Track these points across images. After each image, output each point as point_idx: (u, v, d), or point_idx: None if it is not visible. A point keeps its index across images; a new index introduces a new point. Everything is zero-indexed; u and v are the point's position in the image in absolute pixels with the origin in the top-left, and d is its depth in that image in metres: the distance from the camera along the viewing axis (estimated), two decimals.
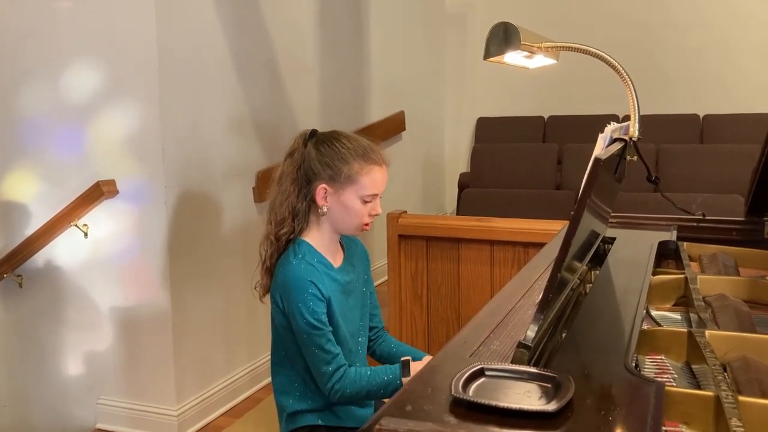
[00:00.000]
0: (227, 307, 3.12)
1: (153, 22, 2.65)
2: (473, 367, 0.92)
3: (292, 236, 1.63)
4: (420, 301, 2.49)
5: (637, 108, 1.43)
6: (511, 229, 2.34)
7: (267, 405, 1.96)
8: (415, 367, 1.53)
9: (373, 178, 1.60)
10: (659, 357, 1.22)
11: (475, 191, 3.66)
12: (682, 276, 1.60)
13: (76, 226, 2.85)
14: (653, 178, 1.61)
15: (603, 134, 1.22)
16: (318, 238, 1.65)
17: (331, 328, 1.55)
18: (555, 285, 0.97)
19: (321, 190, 1.60)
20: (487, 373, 0.92)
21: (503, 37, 1.35)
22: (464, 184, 4.97)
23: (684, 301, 1.58)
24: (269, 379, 3.39)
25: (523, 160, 4.48)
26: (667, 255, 1.85)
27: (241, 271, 3.20)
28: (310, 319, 1.52)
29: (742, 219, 1.97)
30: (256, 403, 3.22)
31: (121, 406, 2.94)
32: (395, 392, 1.46)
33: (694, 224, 2.00)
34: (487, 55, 1.37)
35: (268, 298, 1.70)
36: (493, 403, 0.81)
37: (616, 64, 1.43)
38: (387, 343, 1.80)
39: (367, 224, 1.65)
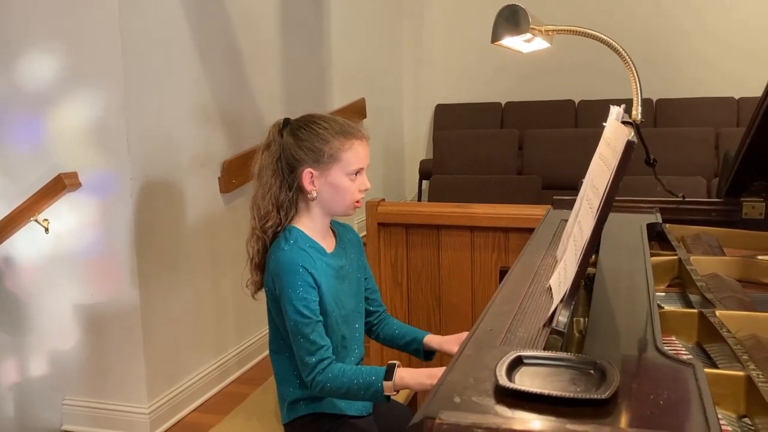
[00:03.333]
0: (196, 301, 3.04)
1: (116, 7, 2.54)
2: (511, 356, 0.90)
3: (279, 228, 1.60)
4: (400, 289, 2.47)
5: (639, 91, 1.43)
6: (492, 215, 2.34)
7: (253, 400, 1.91)
8: (403, 373, 1.48)
9: (356, 153, 1.58)
10: (670, 338, 1.23)
11: (443, 178, 3.66)
12: (674, 257, 1.63)
13: (36, 221, 2.72)
14: (651, 160, 1.62)
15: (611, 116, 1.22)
16: (309, 225, 1.62)
17: (321, 319, 1.52)
18: (586, 270, 0.96)
19: (307, 174, 1.57)
20: (525, 360, 0.91)
21: (511, 20, 1.33)
22: (426, 171, 4.97)
23: (678, 282, 1.61)
24: (239, 373, 3.36)
25: (484, 146, 4.50)
26: (650, 237, 1.88)
27: (209, 263, 3.13)
28: (299, 306, 1.50)
29: (721, 200, 2.02)
30: (227, 398, 3.16)
31: (88, 406, 2.84)
32: (375, 394, 1.46)
33: (674, 206, 2.03)
34: (495, 38, 1.35)
35: (259, 295, 1.67)
36: (546, 392, 0.80)
37: (620, 48, 1.43)
38: (390, 325, 1.78)
39: (358, 201, 1.63)
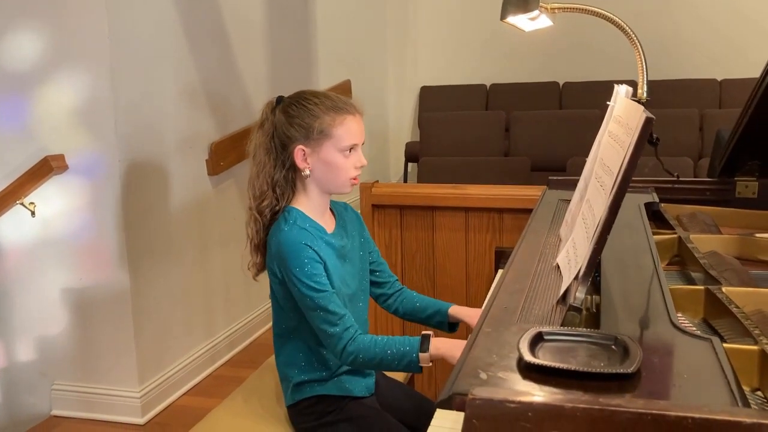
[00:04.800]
0: (185, 284, 3.02)
1: None
2: (532, 332, 0.90)
3: (277, 208, 1.58)
4: (394, 270, 2.44)
5: (645, 71, 1.43)
6: (486, 196, 2.34)
7: (251, 382, 1.91)
8: (438, 343, 1.46)
9: (347, 128, 1.55)
10: (678, 314, 1.24)
11: (432, 160, 3.65)
12: (674, 236, 1.64)
13: (22, 204, 2.68)
14: (654, 139, 1.63)
15: (616, 95, 1.22)
16: (307, 204, 1.60)
17: (333, 290, 1.51)
18: (603, 247, 0.96)
19: (299, 152, 1.55)
20: (546, 337, 0.91)
21: None
22: (412, 153, 4.96)
23: (678, 260, 1.62)
24: (229, 356, 3.35)
25: (471, 128, 4.50)
26: (647, 216, 1.89)
27: (198, 246, 3.11)
28: (310, 283, 1.48)
29: (715, 179, 2.03)
30: (217, 381, 3.16)
31: (78, 390, 2.81)
32: (410, 365, 1.45)
33: (669, 185, 2.05)
34: (504, 15, 1.34)
35: (261, 277, 1.65)
36: (572, 367, 0.80)
37: (627, 28, 1.43)
38: (409, 298, 1.76)
39: (354, 178, 1.60)
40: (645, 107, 1.40)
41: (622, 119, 1.15)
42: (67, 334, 2.78)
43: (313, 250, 1.50)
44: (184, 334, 3.03)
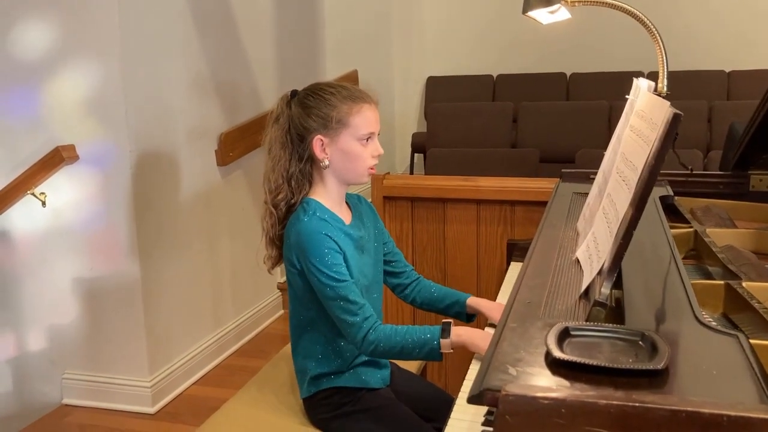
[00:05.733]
0: (194, 274, 3.03)
1: None
2: (559, 327, 0.91)
3: (292, 201, 1.58)
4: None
5: (665, 64, 1.43)
6: (498, 188, 2.34)
7: (265, 373, 1.91)
8: (459, 331, 1.47)
9: (364, 117, 1.56)
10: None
11: (439, 151, 3.64)
12: (690, 230, 1.64)
13: (32, 194, 2.68)
14: (674, 134, 1.62)
15: (636, 89, 1.22)
16: (325, 196, 1.60)
17: (352, 279, 1.52)
18: (629, 243, 0.96)
19: (317, 142, 1.55)
20: (572, 332, 0.91)
21: None
22: (418, 144, 4.95)
23: (694, 254, 1.62)
24: (237, 346, 3.36)
25: (478, 119, 4.49)
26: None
27: (206, 237, 3.12)
28: (330, 272, 1.48)
29: (729, 173, 2.03)
30: (226, 371, 3.17)
31: (89, 379, 2.83)
32: (431, 353, 1.46)
33: (683, 179, 2.04)
34: (526, 9, 1.33)
35: (257, 270, 1.66)
36: (602, 363, 0.80)
37: (646, 20, 1.43)
38: (426, 288, 1.77)
39: (372, 167, 1.61)
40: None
41: (646, 114, 1.14)
42: (77, 324, 2.79)
43: (333, 240, 1.51)
44: (194, 324, 3.04)
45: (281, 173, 1.58)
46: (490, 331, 1.51)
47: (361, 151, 1.57)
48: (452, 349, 1.47)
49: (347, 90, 1.57)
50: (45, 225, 2.74)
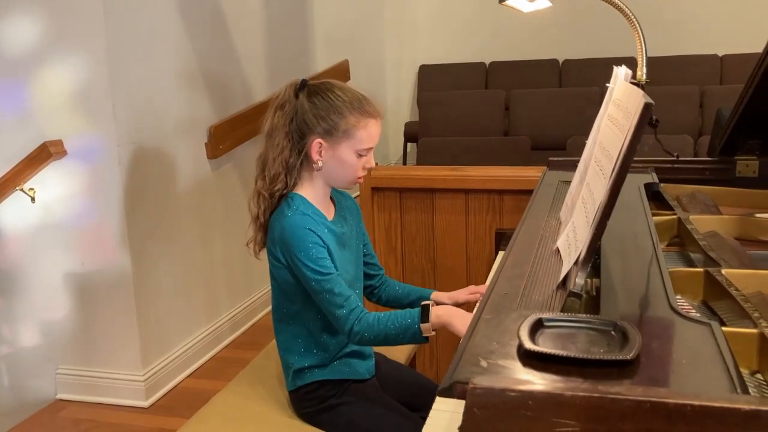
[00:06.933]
0: (187, 267, 3.03)
1: None
2: (532, 319, 0.91)
3: (285, 191, 1.59)
4: (394, 253, 2.48)
5: (644, 52, 1.42)
6: (486, 177, 2.34)
7: (255, 366, 1.92)
8: (438, 311, 1.50)
9: (369, 132, 1.57)
10: (677, 297, 1.24)
11: (431, 141, 3.64)
12: (673, 217, 1.64)
13: (21, 190, 2.68)
14: (654, 122, 1.62)
15: (615, 78, 1.21)
16: (311, 192, 1.61)
17: (338, 272, 1.53)
18: (602, 232, 0.96)
19: (316, 144, 1.55)
20: (545, 323, 0.91)
21: None
22: (411, 133, 4.94)
23: (677, 241, 1.62)
24: (231, 338, 3.37)
25: (470, 108, 4.48)
26: (647, 197, 1.89)
27: (198, 229, 3.12)
28: (315, 267, 1.49)
29: (715, 159, 2.03)
30: (221, 363, 3.18)
31: (82, 374, 2.83)
32: (415, 336, 1.48)
33: (669, 165, 2.04)
34: None
35: (261, 258, 1.66)
36: (572, 354, 0.81)
37: (626, 9, 1.42)
38: (391, 286, 1.80)
39: (360, 177, 1.62)
40: (644, 89, 1.40)
41: (622, 103, 1.14)
42: (70, 319, 2.80)
43: (317, 235, 1.51)
44: (187, 317, 3.05)
45: (282, 163, 1.57)
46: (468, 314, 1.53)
47: (356, 163, 1.58)
48: (434, 330, 1.49)
49: (358, 100, 1.56)
50: (35, 221, 2.74)
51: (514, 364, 0.82)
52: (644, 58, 1.43)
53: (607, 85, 1.43)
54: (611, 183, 0.96)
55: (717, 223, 1.62)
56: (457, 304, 1.66)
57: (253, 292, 3.58)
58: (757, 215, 1.65)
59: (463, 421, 0.73)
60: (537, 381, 0.76)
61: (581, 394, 0.69)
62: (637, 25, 1.42)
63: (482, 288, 1.71)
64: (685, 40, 5.19)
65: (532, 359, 0.83)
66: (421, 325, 1.47)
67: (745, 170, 2.00)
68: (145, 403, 2.77)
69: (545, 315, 0.92)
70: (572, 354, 0.81)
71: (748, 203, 1.88)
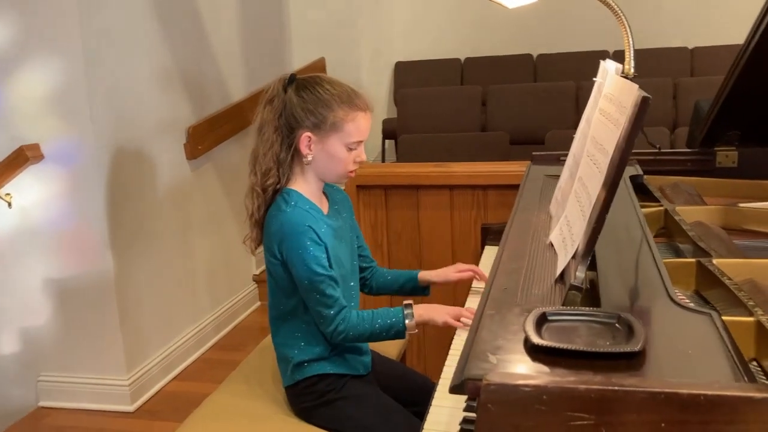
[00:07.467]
0: (169, 269, 3.00)
1: None
2: (536, 313, 0.92)
3: (278, 186, 1.58)
4: (381, 250, 2.48)
5: (631, 44, 1.44)
6: (470, 173, 2.35)
7: (249, 364, 1.91)
8: (420, 310, 1.55)
9: (358, 125, 1.56)
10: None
11: (411, 137, 3.64)
12: (660, 208, 1.66)
13: None
14: None
15: (603, 72, 1.23)
16: (305, 187, 1.60)
17: (332, 272, 1.53)
18: (602, 226, 0.97)
19: (305, 138, 1.54)
20: (549, 317, 0.92)
21: None
22: (389, 130, 4.94)
23: (664, 232, 1.65)
24: (215, 339, 3.34)
25: (448, 104, 4.49)
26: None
27: (180, 231, 3.09)
28: (312, 266, 1.50)
29: (696, 150, 2.06)
30: (206, 364, 3.16)
31: (65, 381, 2.79)
32: (397, 334, 1.55)
33: (651, 157, 2.07)
34: None
35: (244, 259, 1.65)
36: (581, 348, 0.81)
37: (612, 2, 1.43)
38: (380, 274, 1.82)
39: (351, 171, 1.61)
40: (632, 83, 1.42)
41: (614, 97, 1.15)
42: (51, 325, 2.75)
43: (315, 232, 1.52)
44: (170, 319, 3.02)
45: (273, 157, 1.57)
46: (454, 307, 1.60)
47: (346, 156, 1.57)
48: (416, 329, 1.56)
49: (347, 93, 1.56)
50: (13, 226, 2.69)
51: (523, 359, 0.83)
52: (632, 50, 1.45)
53: (594, 79, 1.45)
54: (611, 176, 0.97)
55: (702, 214, 1.65)
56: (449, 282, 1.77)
57: (236, 293, 3.55)
58: (741, 205, 1.68)
59: (478, 417, 0.73)
60: (549, 376, 0.77)
61: (595, 387, 0.70)
62: (623, 18, 1.44)
63: (469, 266, 1.77)
64: (656, 33, 5.24)
65: (539, 354, 0.84)
66: (407, 323, 1.54)
67: (724, 160, 2.03)
68: (131, 408, 2.74)
69: (549, 309, 0.93)
70: (580, 347, 0.81)
71: (728, 193, 1.92)
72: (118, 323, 2.69)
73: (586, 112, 1.46)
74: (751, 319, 0.99)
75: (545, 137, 3.61)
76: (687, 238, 1.45)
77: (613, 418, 0.70)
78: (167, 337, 3.00)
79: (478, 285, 1.76)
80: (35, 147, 2.59)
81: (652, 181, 1.95)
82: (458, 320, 1.54)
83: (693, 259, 1.27)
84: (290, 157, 1.57)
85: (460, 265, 1.79)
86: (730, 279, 1.15)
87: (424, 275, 1.79)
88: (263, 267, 2.35)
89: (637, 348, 0.81)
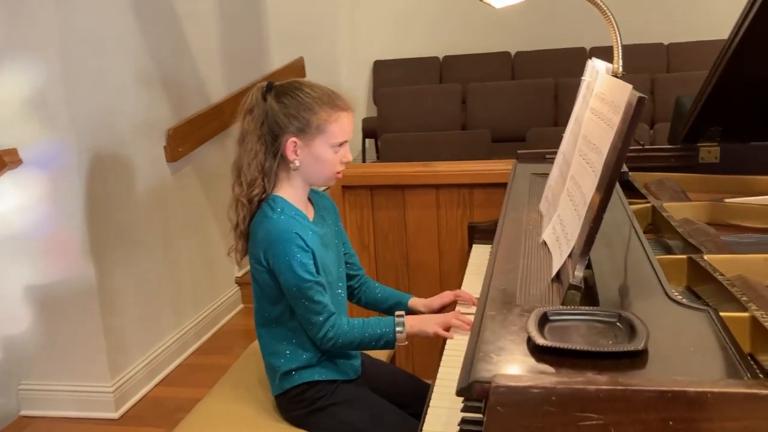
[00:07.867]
0: (151, 273, 2.96)
1: None
2: (538, 313, 0.92)
3: (264, 195, 1.57)
4: (367, 251, 2.47)
5: (619, 42, 1.45)
6: (456, 172, 2.35)
7: (237, 371, 1.89)
8: (411, 321, 1.56)
9: (342, 125, 1.56)
10: None
11: (393, 136, 3.64)
12: (647, 205, 1.68)
13: None
14: None
15: (592, 71, 1.23)
16: (291, 193, 1.59)
17: (320, 278, 1.53)
18: (599, 225, 0.98)
19: (290, 144, 1.54)
20: (551, 317, 0.92)
21: None
22: (369, 129, 4.94)
23: (652, 228, 1.66)
24: (198, 344, 3.31)
25: (428, 102, 4.49)
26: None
27: (161, 235, 3.06)
28: (300, 272, 1.49)
29: (679, 146, 2.08)
30: (189, 369, 3.13)
31: (47, 389, 2.75)
32: (386, 344, 1.55)
33: (635, 154, 2.09)
34: None
35: (225, 262, 1.64)
36: (585, 347, 0.82)
37: (600, 2, 1.44)
38: (371, 289, 1.80)
39: (339, 172, 1.61)
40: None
41: (606, 97, 1.16)
42: (32, 332, 2.71)
43: (302, 239, 1.50)
44: (153, 325, 2.98)
45: (257, 167, 1.56)
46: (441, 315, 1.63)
47: (332, 158, 1.57)
48: (406, 341, 1.57)
49: (327, 95, 1.56)
50: None
51: (527, 360, 0.83)
52: (620, 50, 1.46)
53: (583, 78, 1.45)
54: (608, 176, 0.98)
55: (688, 210, 1.67)
56: (433, 311, 1.73)
57: (218, 296, 3.52)
58: (727, 201, 1.70)
59: (487, 419, 0.73)
60: (557, 377, 0.77)
61: (604, 387, 0.70)
62: (611, 16, 1.45)
63: (454, 292, 1.74)
64: (632, 30, 5.27)
65: (544, 354, 0.84)
66: (398, 335, 1.55)
67: (707, 156, 2.06)
68: (115, 415, 2.70)
69: (550, 309, 0.93)
70: (585, 347, 0.82)
71: (711, 188, 1.94)
72: (101, 329, 2.66)
73: (576, 110, 1.47)
74: (745, 314, 1.00)
75: (527, 134, 3.63)
76: (675, 234, 1.47)
77: (621, 418, 0.70)
78: (150, 341, 2.96)
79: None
80: (13, 152, 2.54)
81: (638, 178, 1.97)
82: (448, 330, 1.54)
83: (684, 256, 1.28)
84: (276, 164, 1.56)
85: (447, 293, 1.76)
86: (722, 275, 1.17)
87: (415, 303, 1.77)
88: (246, 269, 2.32)
89: (640, 347, 0.81)
